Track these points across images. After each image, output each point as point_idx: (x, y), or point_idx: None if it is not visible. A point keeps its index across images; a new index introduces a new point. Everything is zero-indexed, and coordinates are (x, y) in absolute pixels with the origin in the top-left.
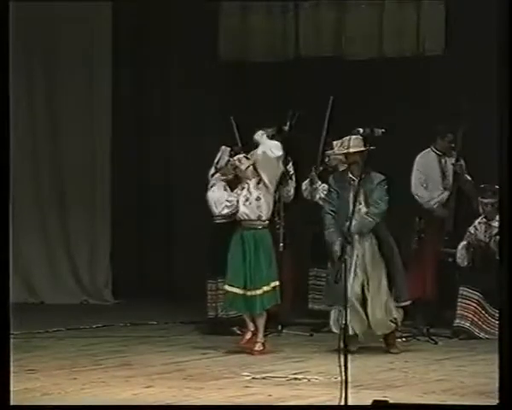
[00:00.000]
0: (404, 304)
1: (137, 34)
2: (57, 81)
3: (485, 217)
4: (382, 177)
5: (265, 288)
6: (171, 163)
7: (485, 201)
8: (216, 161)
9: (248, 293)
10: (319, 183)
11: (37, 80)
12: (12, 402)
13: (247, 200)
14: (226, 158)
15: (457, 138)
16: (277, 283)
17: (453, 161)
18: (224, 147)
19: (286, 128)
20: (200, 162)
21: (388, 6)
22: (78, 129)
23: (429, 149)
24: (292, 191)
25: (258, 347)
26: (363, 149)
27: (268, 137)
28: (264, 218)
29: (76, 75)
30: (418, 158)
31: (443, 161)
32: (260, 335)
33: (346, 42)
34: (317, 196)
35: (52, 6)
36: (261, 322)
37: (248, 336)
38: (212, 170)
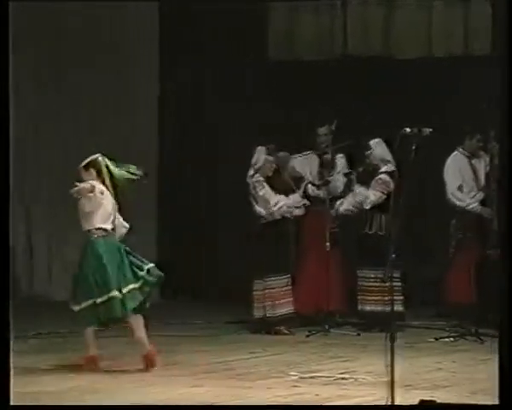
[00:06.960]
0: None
1: (186, 37)
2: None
3: None
4: None
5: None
6: (219, 163)
7: None
8: (253, 161)
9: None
10: (356, 186)
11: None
12: (12, 402)
13: None
14: (263, 157)
15: (490, 137)
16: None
17: (483, 161)
18: (259, 147)
19: (333, 127)
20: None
21: (436, 5)
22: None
23: (456, 151)
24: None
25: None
26: None
27: None
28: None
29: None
30: (449, 162)
31: (473, 162)
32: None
33: (394, 40)
34: (356, 199)
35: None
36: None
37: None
38: (251, 171)
